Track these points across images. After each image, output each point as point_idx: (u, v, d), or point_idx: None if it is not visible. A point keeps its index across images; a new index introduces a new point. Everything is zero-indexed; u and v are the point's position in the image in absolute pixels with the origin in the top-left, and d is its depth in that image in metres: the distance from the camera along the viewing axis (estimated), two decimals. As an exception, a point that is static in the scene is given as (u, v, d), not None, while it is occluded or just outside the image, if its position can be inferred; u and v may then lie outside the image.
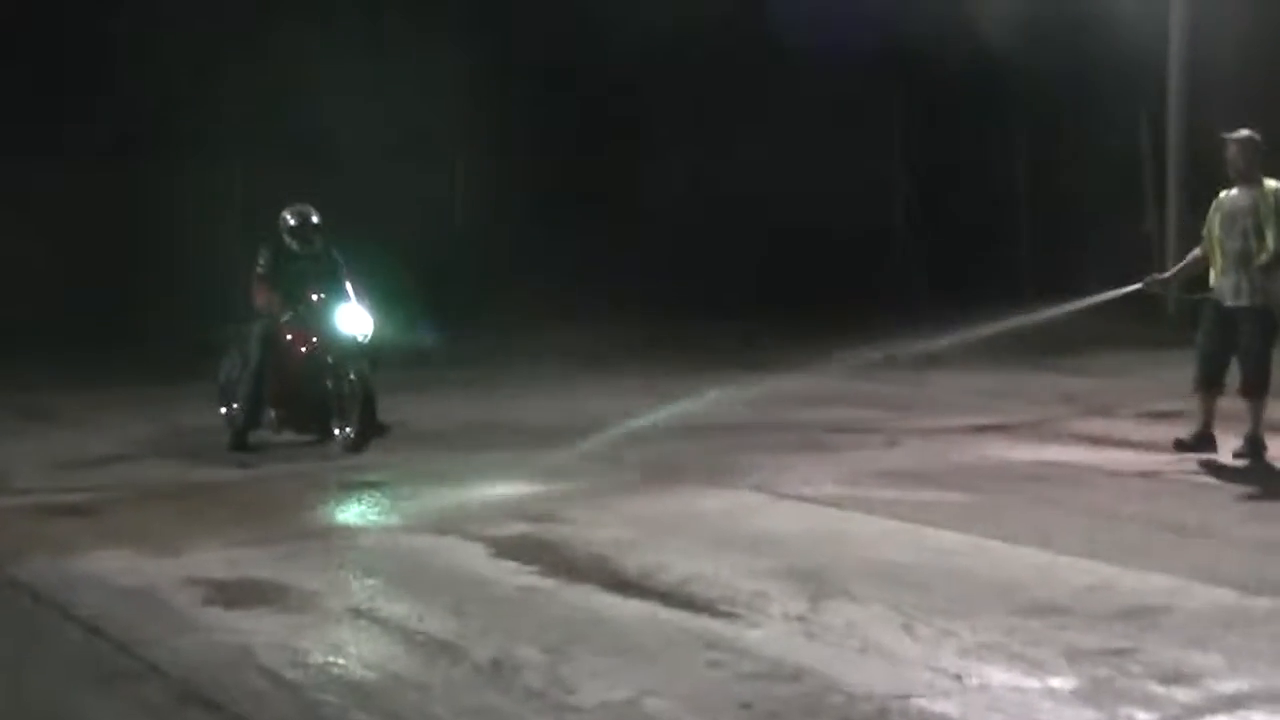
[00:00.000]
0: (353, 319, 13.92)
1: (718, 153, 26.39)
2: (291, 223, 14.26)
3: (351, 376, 13.63)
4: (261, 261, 14.24)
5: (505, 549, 9.80)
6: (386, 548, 10.11)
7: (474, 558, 9.65)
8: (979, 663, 7.30)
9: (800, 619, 8.09)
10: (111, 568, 9.47)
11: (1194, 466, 12.42)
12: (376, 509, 11.59)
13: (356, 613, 8.34)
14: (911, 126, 27.43)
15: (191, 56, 23.75)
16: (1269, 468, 12.40)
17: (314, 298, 14.05)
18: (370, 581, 9.12)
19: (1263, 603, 8.28)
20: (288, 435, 14.27)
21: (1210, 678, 7.03)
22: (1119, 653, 7.38)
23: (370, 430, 13.62)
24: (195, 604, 8.62)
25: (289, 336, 14.10)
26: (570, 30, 24.83)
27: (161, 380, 18.27)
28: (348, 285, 14.19)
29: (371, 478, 12.45)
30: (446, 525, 10.53)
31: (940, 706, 6.70)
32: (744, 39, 25.77)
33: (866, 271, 25.99)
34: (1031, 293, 24.16)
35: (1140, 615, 8.06)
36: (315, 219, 14.34)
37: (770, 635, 7.82)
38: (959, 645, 7.56)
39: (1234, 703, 6.71)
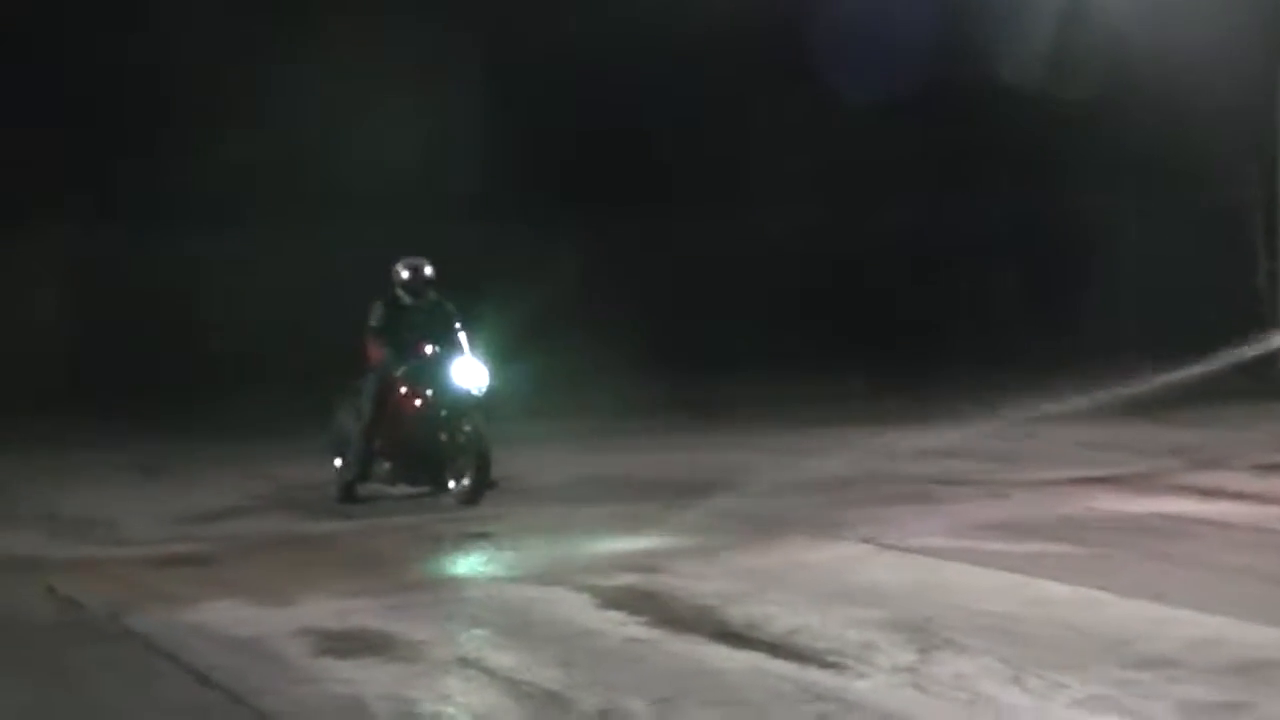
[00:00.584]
0: (467, 372, 13.86)
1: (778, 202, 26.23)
2: (404, 276, 14.15)
3: (466, 429, 13.61)
4: (375, 316, 14.14)
5: (611, 600, 9.82)
6: (493, 598, 10.15)
7: (580, 609, 9.67)
8: (1089, 714, 7.25)
9: (908, 670, 8.05)
10: (223, 619, 9.58)
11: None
12: (483, 560, 11.67)
13: (464, 662, 8.38)
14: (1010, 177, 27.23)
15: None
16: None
17: (427, 351, 13.99)
18: (477, 632, 9.17)
19: (1378, 656, 8.18)
20: (401, 489, 14.26)
21: (1325, 731, 6.95)
22: (1231, 707, 7.31)
23: (485, 483, 13.54)
24: (306, 654, 8.70)
25: (403, 390, 14.04)
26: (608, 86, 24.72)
27: (259, 438, 18.43)
28: (461, 337, 14.10)
29: (478, 529, 12.57)
30: (553, 577, 10.57)
31: (1053, 760, 6.66)
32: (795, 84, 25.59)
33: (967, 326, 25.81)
34: (1139, 350, 24.07)
35: (1253, 669, 7.96)
36: (428, 271, 14.22)
37: (878, 687, 7.79)
38: (1069, 698, 7.50)
39: (1349, 756, 6.63)
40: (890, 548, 11.37)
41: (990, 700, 7.52)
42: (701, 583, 10.29)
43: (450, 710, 7.56)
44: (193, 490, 15.27)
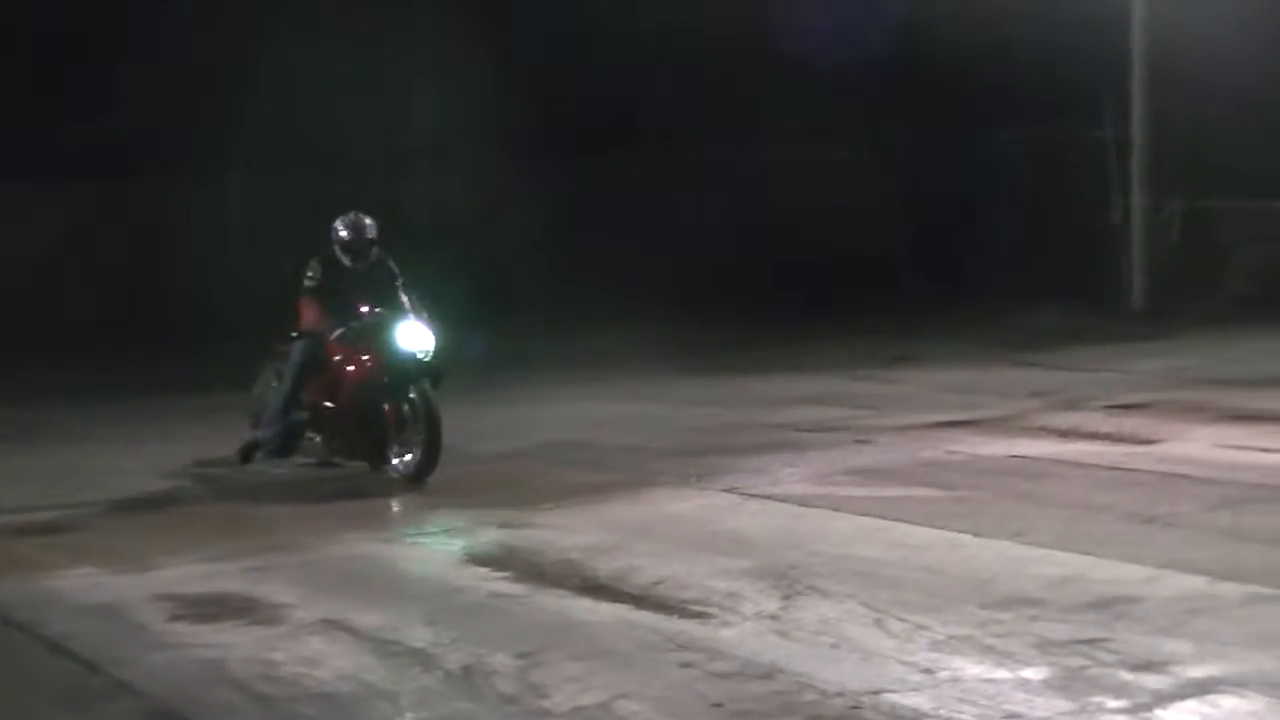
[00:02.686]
0: (412, 335, 12.59)
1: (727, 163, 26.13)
2: (344, 235, 12.98)
3: (412, 397, 12.38)
4: (310, 275, 12.99)
5: (478, 556, 9.82)
6: (359, 558, 10.08)
7: (447, 566, 9.67)
8: (951, 656, 7.34)
9: (772, 617, 8.11)
10: (80, 585, 9.45)
11: (1162, 457, 12.45)
12: (350, 519, 11.53)
13: (328, 623, 8.32)
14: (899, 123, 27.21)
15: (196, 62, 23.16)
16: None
17: (367, 313, 12.82)
18: (342, 592, 9.08)
19: (1232, 589, 8.33)
20: (336, 464, 13.12)
21: (1180, 664, 7.07)
22: (1090, 642, 7.42)
23: (435, 457, 12.30)
24: (165, 619, 8.61)
25: (338, 356, 12.85)
26: (596, 37, 24.50)
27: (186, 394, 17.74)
28: (405, 299, 12.90)
29: (348, 488, 12.41)
30: (419, 535, 10.52)
31: (912, 700, 6.73)
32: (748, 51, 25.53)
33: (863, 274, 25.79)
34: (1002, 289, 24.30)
35: (1111, 605, 8.10)
36: (371, 231, 13.04)
37: (742, 634, 7.84)
38: (931, 639, 7.59)
39: (1203, 688, 6.76)
40: (755, 496, 11.41)
41: (853, 644, 7.59)
42: (568, 536, 10.29)
43: (314, 672, 7.50)
44: (80, 454, 14.62)
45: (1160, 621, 7.77)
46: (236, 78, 22.91)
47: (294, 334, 13.14)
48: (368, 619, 8.37)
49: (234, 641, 8.07)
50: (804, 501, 11.12)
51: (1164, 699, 6.64)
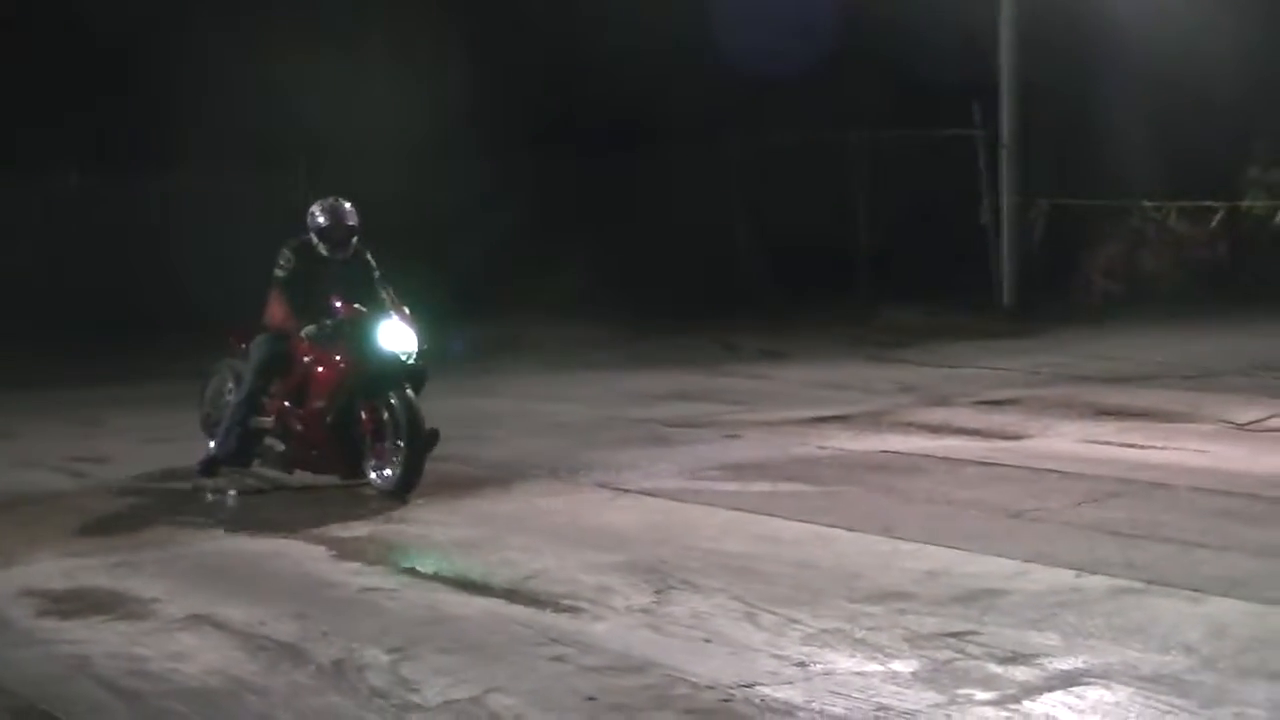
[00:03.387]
0: (394, 334, 11.46)
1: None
2: (322, 221, 11.84)
3: (393, 403, 11.26)
4: (282, 264, 11.87)
5: (349, 551, 9.75)
6: (228, 553, 9.99)
7: (317, 561, 9.58)
8: (822, 649, 7.39)
9: (644, 611, 8.14)
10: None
11: (1030, 453, 12.61)
12: (219, 515, 11.41)
13: (197, 619, 8.24)
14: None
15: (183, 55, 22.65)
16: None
17: (342, 308, 11.59)
18: (211, 587, 8.99)
19: (1098, 582, 8.45)
20: (302, 477, 11.98)
21: (1047, 657, 7.17)
22: (959, 635, 7.51)
23: (418, 470, 11.23)
24: (30, 616, 8.48)
25: (308, 356, 11.66)
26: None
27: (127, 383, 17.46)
28: (385, 294, 11.82)
29: (219, 484, 12.07)
30: (290, 529, 10.43)
31: (784, 693, 6.76)
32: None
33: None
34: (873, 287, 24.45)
35: (979, 598, 8.19)
36: (351, 219, 11.92)
37: (614, 629, 7.86)
38: (802, 633, 7.64)
39: (1070, 680, 6.85)
40: (626, 491, 11.42)
41: (725, 638, 7.62)
42: (440, 530, 10.28)
43: (183, 667, 7.43)
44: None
45: (1028, 614, 7.87)
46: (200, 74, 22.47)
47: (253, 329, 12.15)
48: (236, 614, 8.29)
49: (101, 638, 7.97)
50: (675, 496, 11.15)
51: (1031, 691, 6.73)
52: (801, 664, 7.17)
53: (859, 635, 7.57)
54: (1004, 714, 6.48)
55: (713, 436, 13.68)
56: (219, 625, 8.11)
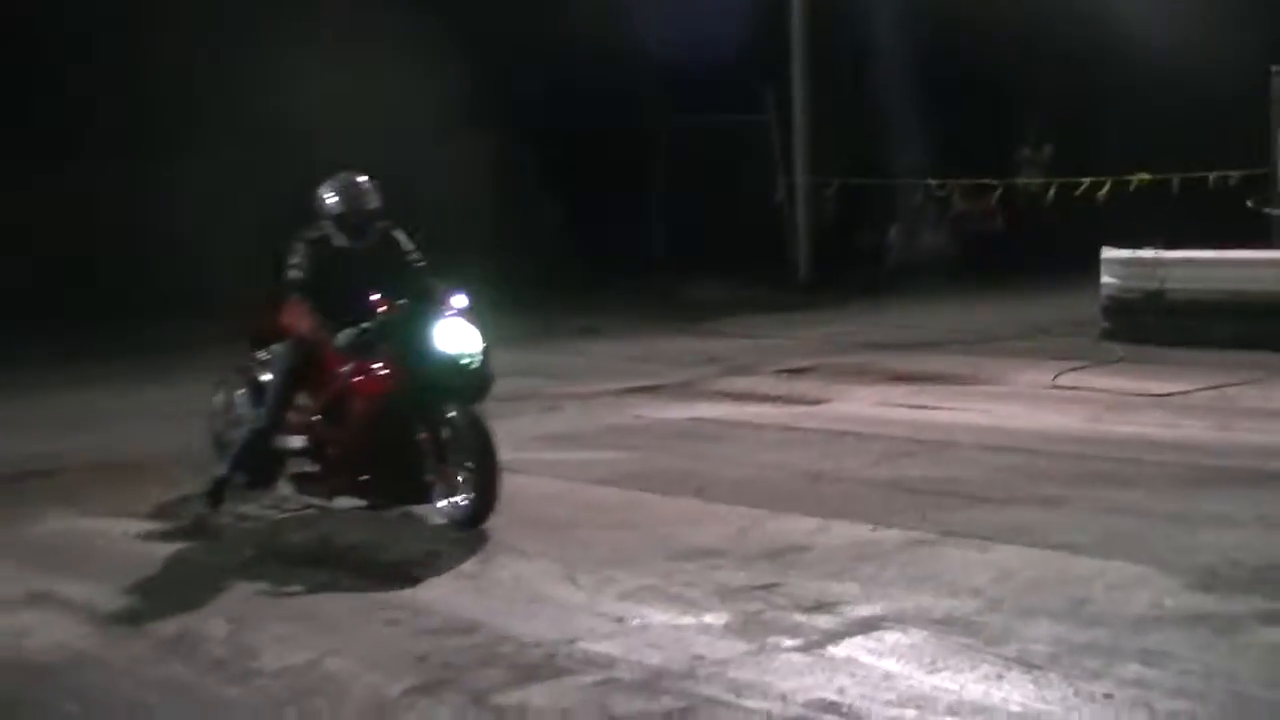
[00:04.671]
0: (453, 334, 9.13)
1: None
2: (335, 206, 9.43)
3: (452, 416, 9.03)
4: (293, 264, 9.40)
5: (185, 531, 9.58)
6: (65, 533, 9.76)
7: (155, 542, 9.41)
8: (638, 605, 7.43)
9: (471, 577, 8.15)
10: None
11: (828, 416, 12.76)
12: (56, 498, 11.13)
13: (37, 597, 8.07)
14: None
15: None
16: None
17: (380, 304, 9.16)
18: (50, 568, 8.80)
19: (893, 535, 8.60)
20: (345, 503, 9.62)
21: (847, 605, 7.28)
22: (766, 588, 7.59)
23: (492, 494, 8.96)
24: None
25: (345, 367, 9.26)
26: None
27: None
28: (430, 284, 9.48)
29: (46, 468, 11.76)
30: (125, 509, 10.22)
31: (603, 647, 6.80)
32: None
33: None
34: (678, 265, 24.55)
35: (785, 554, 8.29)
36: (372, 200, 9.53)
37: (443, 594, 7.85)
38: (620, 590, 7.68)
39: (869, 625, 6.96)
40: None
41: (548, 598, 7.65)
42: (274, 508, 10.12)
43: (26, 642, 7.29)
44: None
45: (829, 567, 7.98)
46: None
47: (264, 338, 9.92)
48: (77, 591, 8.15)
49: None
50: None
51: (833, 636, 6.83)
52: (620, 619, 7.21)
53: (674, 591, 7.63)
54: (809, 659, 6.56)
55: (534, 409, 13.66)
56: (60, 602, 7.95)
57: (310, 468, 9.58)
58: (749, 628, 7.01)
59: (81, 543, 9.43)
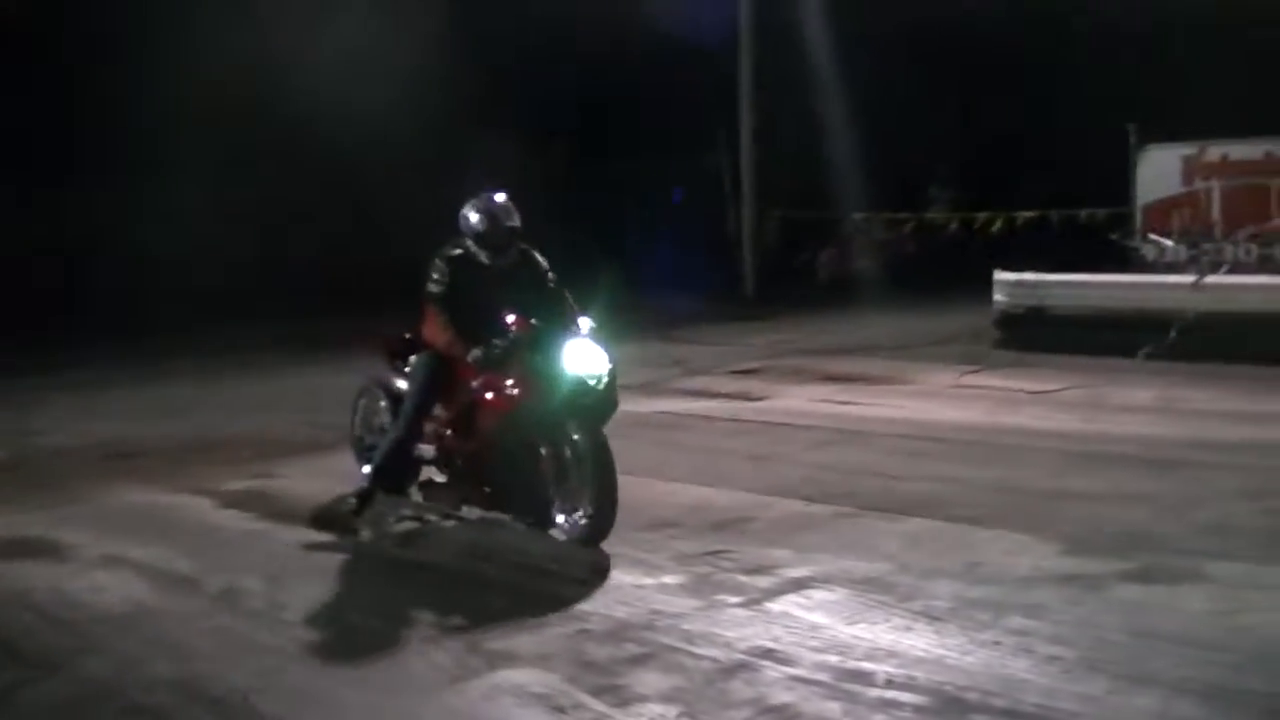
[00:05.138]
0: (583, 355, 8.03)
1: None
2: (477, 224, 8.36)
3: (576, 438, 7.88)
4: (436, 278, 8.34)
5: (230, 501, 9.52)
6: (134, 506, 9.68)
7: (206, 510, 9.36)
8: (608, 568, 7.40)
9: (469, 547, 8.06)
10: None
11: (769, 410, 12.73)
12: (129, 476, 11.00)
13: (109, 560, 8.01)
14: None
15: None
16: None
17: (515, 322, 8.09)
18: (122, 535, 8.73)
19: (822, 509, 8.60)
20: (469, 511, 8.60)
21: (783, 568, 7.26)
22: (715, 554, 7.57)
23: (611, 514, 7.80)
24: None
25: (475, 383, 8.17)
26: None
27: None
28: (564, 304, 8.45)
29: (131, 451, 11.60)
30: (183, 486, 10.14)
31: (579, 604, 6.80)
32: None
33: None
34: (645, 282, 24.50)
35: (732, 525, 8.27)
36: (512, 218, 8.43)
37: (445, 557, 7.77)
38: (592, 556, 7.64)
39: (800, 585, 6.95)
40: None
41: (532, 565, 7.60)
42: (304, 482, 10.04)
43: (100, 599, 7.23)
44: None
45: (769, 536, 7.97)
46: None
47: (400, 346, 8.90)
48: (145, 554, 8.09)
49: (36, 574, 7.72)
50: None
51: (771, 594, 6.82)
52: (591, 580, 7.19)
53: (637, 557, 7.60)
54: (750, 613, 6.56)
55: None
56: (128, 564, 7.89)
57: (439, 477, 8.63)
58: (700, 587, 7.00)
59: (155, 514, 9.34)
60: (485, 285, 8.28)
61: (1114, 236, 18.26)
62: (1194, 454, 9.97)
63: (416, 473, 8.78)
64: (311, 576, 7.47)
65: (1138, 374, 14.14)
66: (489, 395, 8.07)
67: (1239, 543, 7.50)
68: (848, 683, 5.62)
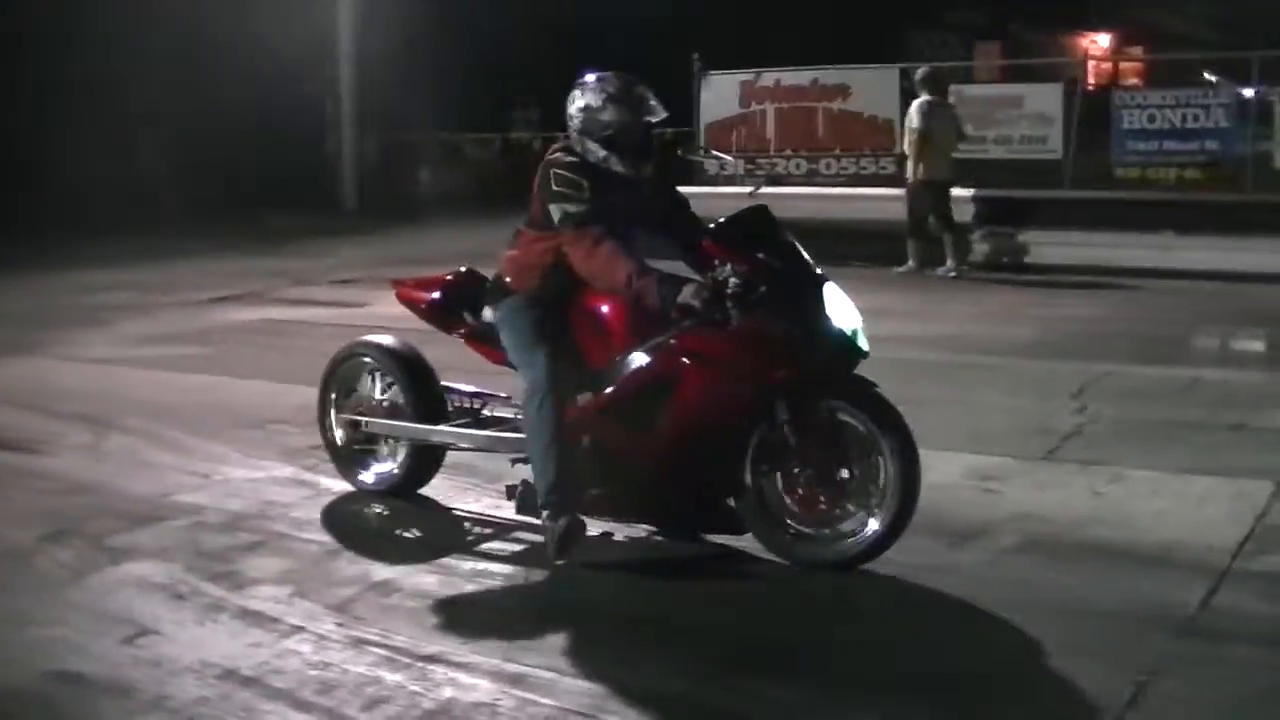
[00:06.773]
0: (842, 305, 5.32)
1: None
2: (610, 113, 5.40)
3: (847, 418, 5.28)
4: (569, 194, 5.41)
5: None
6: None
7: None
8: (221, 465, 7.47)
9: (87, 448, 7.96)
10: None
11: (369, 316, 12.81)
12: None
13: None
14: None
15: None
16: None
17: (716, 256, 5.18)
18: None
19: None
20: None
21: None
22: (318, 448, 7.47)
23: (910, 509, 5.21)
24: None
25: (664, 339, 5.28)
26: None
27: None
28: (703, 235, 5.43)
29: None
30: None
31: (193, 498, 6.83)
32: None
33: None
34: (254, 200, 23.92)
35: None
36: (657, 110, 5.40)
37: (64, 462, 7.65)
38: (206, 454, 7.67)
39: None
40: (73, 360, 10.97)
41: (148, 462, 7.58)
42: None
43: None
44: None
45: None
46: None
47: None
48: None
49: None
50: (109, 362, 10.82)
51: (370, 482, 6.99)
52: (206, 476, 7.23)
53: (250, 453, 7.67)
54: (353, 499, 6.78)
55: (137, 316, 13.24)
56: None
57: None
58: (305, 479, 7.15)
59: None
60: (627, 206, 5.44)
61: (679, 152, 18.99)
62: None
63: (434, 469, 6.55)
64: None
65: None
66: (700, 360, 5.19)
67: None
68: (444, 557, 5.92)
